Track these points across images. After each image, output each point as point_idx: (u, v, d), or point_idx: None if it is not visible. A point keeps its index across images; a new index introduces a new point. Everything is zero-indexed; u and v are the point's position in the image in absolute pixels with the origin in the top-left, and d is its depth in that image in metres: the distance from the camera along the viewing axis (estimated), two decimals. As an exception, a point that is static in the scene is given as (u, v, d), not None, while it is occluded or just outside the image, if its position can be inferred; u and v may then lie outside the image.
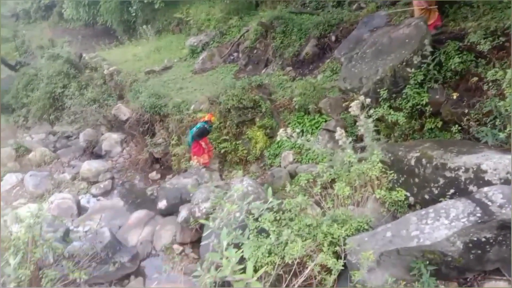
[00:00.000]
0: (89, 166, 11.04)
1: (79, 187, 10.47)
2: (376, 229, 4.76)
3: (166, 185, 8.85)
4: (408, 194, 5.41)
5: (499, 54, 6.23)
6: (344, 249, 4.48)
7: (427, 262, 4.22)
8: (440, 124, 6.49)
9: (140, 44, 17.97)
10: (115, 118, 12.74)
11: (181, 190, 8.31)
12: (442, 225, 4.20)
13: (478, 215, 4.12)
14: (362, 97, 6.18)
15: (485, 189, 4.45)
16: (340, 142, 6.01)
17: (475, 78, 6.34)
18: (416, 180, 5.40)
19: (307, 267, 4.37)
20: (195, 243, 7.38)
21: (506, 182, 4.58)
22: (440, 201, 4.66)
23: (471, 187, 4.81)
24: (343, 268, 4.39)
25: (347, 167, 5.78)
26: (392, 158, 5.74)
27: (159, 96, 11.09)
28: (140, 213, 8.53)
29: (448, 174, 5.03)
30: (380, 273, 4.39)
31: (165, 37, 18.14)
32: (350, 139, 6.10)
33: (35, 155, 12.28)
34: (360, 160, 5.68)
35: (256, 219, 5.01)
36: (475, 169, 4.83)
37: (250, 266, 2.57)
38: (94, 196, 10.17)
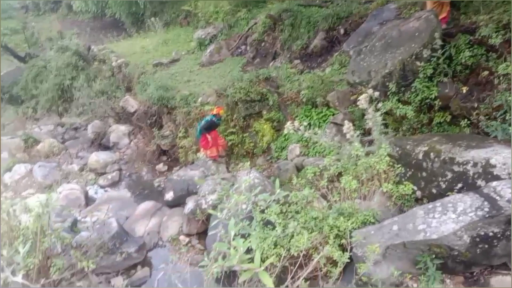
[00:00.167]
0: (97, 158, 11.13)
1: (87, 178, 10.57)
2: (383, 222, 4.76)
3: (173, 177, 8.90)
4: (415, 188, 5.38)
5: (511, 48, 6.14)
6: (350, 242, 4.48)
7: (433, 256, 4.21)
8: (449, 118, 6.43)
9: (148, 37, 17.99)
10: (123, 110, 12.82)
11: (188, 182, 8.36)
12: (449, 219, 4.17)
13: (486, 209, 4.09)
14: (370, 91, 6.14)
15: (494, 183, 4.41)
16: (348, 136, 5.98)
17: (486, 72, 6.25)
18: (424, 174, 5.37)
19: (312, 259, 4.38)
20: (202, 234, 7.43)
21: (515, 177, 4.54)
22: (448, 195, 4.64)
23: (479, 182, 4.77)
24: (349, 260, 4.39)
25: (354, 160, 5.76)
26: (399, 152, 5.71)
27: (167, 89, 11.12)
28: (147, 204, 8.59)
29: (456, 168, 4.99)
30: (385, 266, 4.39)
31: (173, 29, 18.14)
32: (358, 132, 6.07)
33: (44, 146, 12.39)
34: (367, 154, 5.66)
35: (263, 211, 5.03)
36: (483, 163, 4.79)
37: (257, 255, 2.58)
38: (102, 187, 10.26)
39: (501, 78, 5.84)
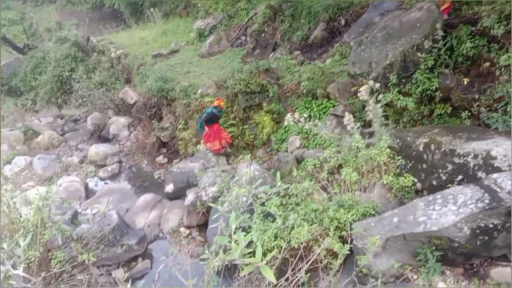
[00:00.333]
0: (96, 150, 11.11)
1: (87, 170, 10.56)
2: (383, 214, 4.76)
3: (173, 169, 8.90)
4: (416, 180, 5.38)
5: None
6: (350, 234, 4.48)
7: (434, 248, 4.22)
8: (449, 110, 6.41)
9: (147, 27, 17.85)
10: (123, 102, 12.78)
11: (188, 174, 8.36)
12: (449, 211, 4.17)
13: (487, 201, 4.09)
14: (371, 82, 6.11)
15: (494, 175, 4.41)
16: (348, 127, 5.97)
17: (487, 63, 6.21)
18: (424, 166, 5.36)
19: (313, 251, 4.39)
20: (202, 226, 7.44)
21: (516, 168, 4.53)
22: (448, 187, 4.64)
23: (480, 174, 4.77)
24: (349, 252, 4.40)
25: (355, 152, 5.74)
26: (400, 144, 5.69)
27: (166, 80, 11.06)
28: (147, 197, 8.59)
29: (456, 160, 4.98)
30: (386, 258, 4.40)
31: (173, 20, 18.00)
32: (358, 124, 6.06)
33: (43, 138, 12.37)
34: (368, 146, 5.64)
35: (263, 204, 5.03)
36: (484, 155, 4.78)
37: (259, 250, 2.57)
38: (102, 179, 10.25)
39: (502, 69, 5.81)
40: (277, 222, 4.82)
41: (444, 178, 5.09)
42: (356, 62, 7.50)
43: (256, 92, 9.20)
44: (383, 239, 4.33)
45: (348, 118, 5.99)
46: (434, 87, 6.36)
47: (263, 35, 12.45)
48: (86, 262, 5.67)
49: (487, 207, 4.04)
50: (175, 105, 10.67)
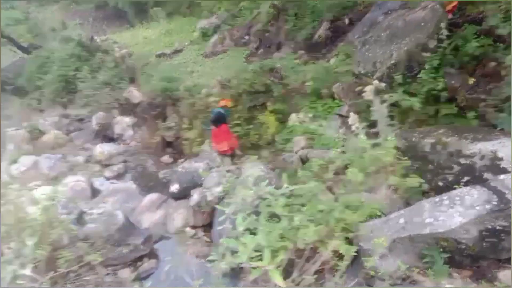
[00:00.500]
0: (101, 149, 11.14)
1: (93, 169, 10.58)
2: (389, 215, 4.76)
3: (178, 169, 8.90)
4: (422, 180, 5.34)
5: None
6: (356, 235, 4.48)
7: (441, 250, 4.21)
8: (455, 110, 6.37)
9: (151, 27, 17.90)
10: (127, 102, 12.80)
11: (193, 174, 8.36)
12: (456, 213, 4.17)
13: (494, 203, 4.08)
14: (376, 82, 6.10)
15: (501, 176, 4.40)
16: (353, 128, 5.95)
17: (493, 63, 6.19)
18: (431, 166, 5.35)
19: (318, 252, 4.39)
20: (207, 226, 7.45)
21: (523, 169, 4.51)
22: (455, 188, 4.63)
23: (487, 175, 4.75)
24: (355, 254, 4.39)
25: (360, 152, 5.72)
26: (406, 144, 5.68)
27: (171, 80, 11.09)
28: (152, 196, 8.60)
29: (463, 161, 4.97)
30: (392, 260, 4.40)
31: (176, 19, 18.02)
32: (364, 124, 6.04)
33: (49, 137, 12.42)
34: (373, 146, 5.62)
35: (268, 205, 5.03)
36: (491, 156, 4.76)
37: (267, 253, 2.58)
38: (107, 179, 10.27)
39: (508, 69, 5.77)
40: (282, 223, 4.82)
41: (450, 179, 5.08)
42: (361, 61, 7.49)
43: (260, 91, 9.20)
44: (389, 240, 4.33)
45: (353, 118, 5.99)
46: (439, 87, 6.33)
47: (267, 34, 12.46)
48: (94, 262, 5.72)
49: (495, 209, 4.03)
50: (180, 104, 10.70)
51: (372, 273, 4.29)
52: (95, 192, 9.39)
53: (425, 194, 5.39)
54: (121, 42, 16.21)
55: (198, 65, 12.42)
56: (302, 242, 4.43)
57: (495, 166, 4.70)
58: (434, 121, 6.57)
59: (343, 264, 4.21)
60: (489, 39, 6.28)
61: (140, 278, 6.57)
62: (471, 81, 6.31)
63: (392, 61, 6.79)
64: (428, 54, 6.49)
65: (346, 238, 4.71)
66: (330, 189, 5.86)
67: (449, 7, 7.00)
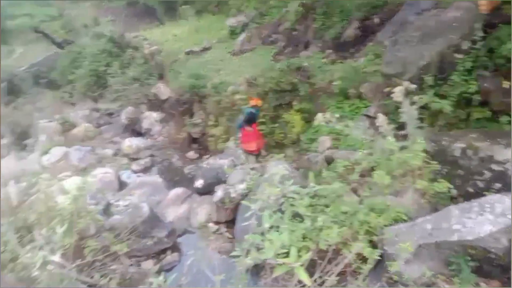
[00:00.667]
0: (130, 143, 11.39)
1: (121, 162, 10.84)
2: (415, 220, 4.66)
3: (203, 164, 9.01)
4: (451, 186, 5.22)
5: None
6: (381, 239, 4.42)
7: (468, 258, 4.10)
8: (488, 114, 6.17)
9: (180, 24, 18.09)
10: (156, 97, 13.02)
11: (217, 170, 8.44)
12: (486, 220, 4.05)
13: (526, 211, 3.94)
14: (406, 83, 5.97)
15: (535, 184, 4.24)
16: (381, 129, 5.86)
17: (529, 66, 5.96)
18: (460, 171, 5.21)
19: (341, 254, 4.35)
20: (230, 222, 7.50)
21: (558, 178, 4.34)
22: (485, 195, 4.49)
23: (520, 182, 4.60)
24: (379, 258, 4.33)
25: (388, 155, 5.63)
26: (435, 148, 5.56)
27: (198, 77, 11.19)
28: (178, 191, 8.74)
29: (495, 167, 4.82)
30: (417, 266, 4.32)
31: (205, 17, 18.15)
32: (392, 126, 5.93)
33: (80, 130, 12.80)
34: (401, 149, 5.52)
35: (292, 204, 5.02)
36: (525, 163, 4.60)
37: (294, 251, 2.59)
38: (135, 172, 10.51)
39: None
40: (305, 223, 4.80)
41: (481, 185, 4.94)
42: (390, 62, 7.36)
43: (286, 90, 9.16)
44: (414, 245, 4.25)
45: (381, 119, 5.89)
46: (472, 90, 6.14)
47: (295, 33, 12.38)
48: (119, 252, 5.85)
49: (527, 218, 3.90)
50: (206, 101, 10.79)
51: (396, 278, 4.22)
52: (122, 185, 9.63)
53: (453, 200, 5.27)
54: (151, 39, 16.46)
55: (226, 63, 12.47)
56: (325, 243, 4.41)
57: (528, 173, 4.55)
58: (465, 125, 6.39)
59: (366, 268, 4.16)
60: (526, 41, 6.05)
61: (162, 271, 6.68)
62: (506, 84, 6.08)
63: (423, 62, 6.64)
64: (461, 56, 6.31)
65: (370, 241, 4.66)
66: (355, 191, 5.80)
67: (488, 6, 6.76)
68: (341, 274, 4.55)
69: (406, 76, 6.78)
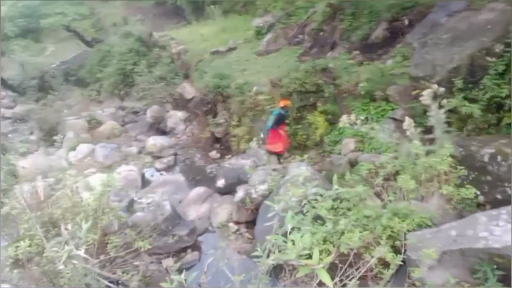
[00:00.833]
0: (154, 142, 11.55)
1: (144, 160, 11.00)
2: (440, 226, 4.53)
3: (225, 164, 9.04)
4: (478, 192, 5.07)
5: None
6: (404, 244, 4.31)
7: (494, 266, 3.95)
8: (520, 119, 5.96)
9: (207, 24, 18.22)
10: (181, 97, 13.17)
11: (239, 171, 8.45)
12: (515, 229, 3.89)
13: (558, 221, 3.77)
14: (435, 86, 5.81)
15: None
16: (408, 133, 5.73)
17: None
18: (489, 178, 5.05)
19: (363, 259, 4.27)
20: (250, 223, 7.50)
21: None
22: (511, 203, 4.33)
23: (552, 190, 4.41)
24: (401, 263, 4.23)
25: (413, 159, 5.50)
26: (463, 153, 5.40)
27: (223, 77, 11.23)
28: (199, 190, 8.80)
29: (526, 174, 4.64)
30: (440, 273, 4.19)
31: (232, 17, 18.23)
32: (419, 130, 5.79)
33: (106, 127, 13.07)
34: (428, 153, 5.38)
35: (314, 206, 4.97)
36: (558, 171, 4.41)
37: (316, 252, 2.54)
38: (158, 170, 10.65)
39: None
40: (327, 226, 4.75)
41: (510, 192, 4.76)
42: (419, 64, 7.21)
43: (311, 91, 9.09)
44: (439, 252, 4.12)
45: (408, 122, 5.76)
46: (504, 94, 5.94)
47: (321, 33, 12.27)
48: (141, 249, 5.92)
49: (559, 228, 3.73)
50: (230, 102, 10.83)
51: (418, 284, 4.11)
52: (145, 182, 9.75)
53: (480, 206, 5.11)
54: (178, 38, 16.63)
55: (251, 63, 12.47)
56: (346, 246, 4.34)
57: (563, 181, 4.35)
58: (495, 130, 6.18)
59: (388, 273, 4.08)
60: None
61: (182, 269, 6.72)
62: (540, 89, 5.86)
63: (453, 65, 6.48)
64: (493, 59, 6.10)
65: (393, 246, 4.55)
66: (378, 195, 5.69)
67: None
68: (362, 278, 4.46)
69: (435, 79, 6.63)
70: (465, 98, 6.24)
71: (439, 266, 4.20)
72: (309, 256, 2.75)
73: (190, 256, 7.09)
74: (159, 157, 11.16)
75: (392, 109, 7.89)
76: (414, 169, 5.38)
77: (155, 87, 13.93)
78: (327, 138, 8.75)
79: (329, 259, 2.72)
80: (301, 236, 2.73)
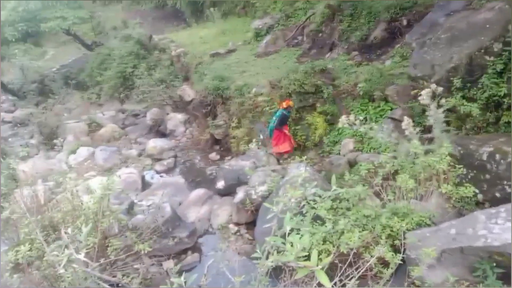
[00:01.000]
0: (154, 144, 11.56)
1: (144, 163, 11.00)
2: (439, 225, 4.54)
3: (225, 166, 9.05)
4: (477, 190, 5.07)
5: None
6: (403, 243, 4.31)
7: (494, 264, 3.95)
8: (518, 117, 5.97)
9: (207, 27, 18.25)
10: (180, 99, 13.18)
11: (238, 172, 8.45)
12: (514, 227, 3.89)
13: (558, 218, 3.77)
14: (433, 85, 5.82)
15: None
16: (406, 132, 5.75)
17: None
18: (487, 176, 5.05)
19: (362, 258, 4.27)
20: (250, 224, 7.49)
21: None
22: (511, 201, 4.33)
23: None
24: (401, 262, 4.23)
25: (412, 158, 5.52)
26: (462, 152, 5.40)
27: (222, 79, 11.24)
28: (199, 192, 8.80)
29: (525, 172, 4.64)
30: (440, 271, 4.19)
31: (231, 19, 18.26)
32: (418, 129, 5.80)
33: (106, 131, 13.07)
34: (426, 152, 5.39)
35: (313, 206, 4.97)
36: (557, 168, 4.41)
37: (315, 253, 2.54)
38: (158, 172, 10.65)
39: None
40: (326, 226, 4.75)
41: (509, 190, 4.77)
42: (418, 64, 7.22)
43: (310, 92, 9.10)
44: (438, 251, 4.13)
45: (407, 122, 5.77)
46: (502, 93, 5.96)
47: (320, 35, 12.31)
48: (141, 252, 5.92)
49: (558, 225, 3.73)
50: (230, 103, 10.84)
51: (418, 283, 4.11)
52: (145, 185, 9.75)
53: (479, 205, 5.11)
54: (178, 41, 16.66)
55: (250, 64, 12.48)
56: (346, 246, 4.34)
57: (561, 179, 4.35)
58: (494, 128, 6.19)
59: (388, 272, 4.07)
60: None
61: (183, 271, 6.72)
62: (538, 87, 5.87)
63: (452, 65, 6.49)
64: (491, 58, 6.12)
65: (392, 245, 4.56)
66: (377, 194, 5.70)
67: None
68: (362, 278, 4.46)
69: (434, 78, 6.65)
70: (463, 97, 6.26)
71: (438, 264, 4.20)
72: (308, 257, 2.75)
73: (190, 258, 7.09)
74: (159, 160, 11.17)
75: (391, 109, 7.90)
76: (413, 168, 5.39)
77: (155, 90, 13.94)
78: (326, 139, 8.76)
79: (327, 260, 2.71)
80: (300, 237, 2.73)
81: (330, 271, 4.47)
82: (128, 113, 15.35)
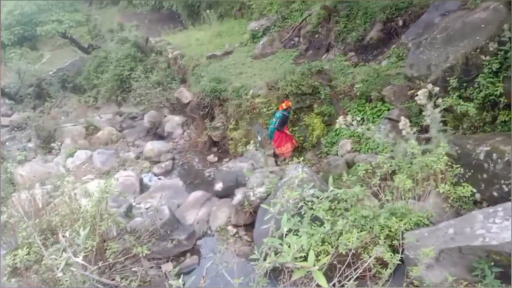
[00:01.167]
0: (152, 146, 11.56)
1: (142, 166, 11.00)
2: (437, 225, 4.55)
3: (223, 168, 9.05)
4: (475, 190, 5.09)
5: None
6: (402, 243, 4.32)
7: (492, 264, 3.96)
8: (515, 116, 5.99)
9: (203, 29, 18.24)
10: (178, 101, 13.18)
11: (237, 174, 8.46)
12: None
13: (555, 217, 3.79)
14: (430, 86, 5.84)
15: None
16: (404, 132, 5.76)
17: (560, 68, 5.75)
18: (485, 175, 5.06)
19: (361, 259, 4.28)
20: (249, 226, 7.49)
21: None
22: (510, 200, 4.34)
23: (548, 187, 4.43)
24: (399, 262, 4.24)
25: (410, 158, 5.53)
26: (459, 152, 5.42)
27: (219, 81, 11.25)
28: (197, 194, 8.80)
29: (522, 171, 4.66)
30: (438, 271, 4.21)
31: (227, 21, 18.26)
32: (415, 129, 5.82)
33: (103, 133, 13.06)
34: (424, 152, 5.41)
35: (311, 207, 4.98)
36: (554, 167, 4.43)
37: (312, 254, 2.55)
38: (156, 175, 10.65)
39: None
40: (324, 227, 4.76)
41: (506, 189, 4.78)
42: (414, 64, 7.24)
43: (307, 93, 9.11)
44: (436, 250, 4.14)
45: (404, 122, 5.78)
46: (498, 92, 5.97)
47: (316, 36, 12.32)
48: (140, 255, 5.91)
49: (555, 224, 3.74)
50: (227, 105, 10.85)
51: (417, 283, 4.12)
52: (143, 187, 9.74)
53: (477, 204, 5.13)
54: (175, 43, 16.64)
55: (247, 66, 12.49)
56: (344, 247, 4.35)
57: (558, 178, 4.37)
58: (491, 128, 6.21)
59: (386, 272, 4.08)
60: (557, 42, 5.85)
61: (181, 273, 6.70)
62: (534, 86, 5.89)
63: (448, 64, 6.50)
64: (487, 58, 6.14)
65: (391, 245, 4.57)
66: (375, 195, 5.71)
67: None
68: (361, 278, 4.47)
69: (430, 78, 6.67)
70: (460, 97, 6.27)
71: (437, 264, 4.22)
72: (306, 258, 2.76)
73: (189, 260, 7.09)
74: (157, 162, 11.16)
75: (388, 110, 7.92)
76: (410, 168, 5.41)
77: (152, 92, 13.94)
78: (324, 140, 8.78)
79: (325, 260, 2.72)
80: (297, 238, 2.74)
81: (329, 272, 4.49)
82: (126, 116, 15.35)
